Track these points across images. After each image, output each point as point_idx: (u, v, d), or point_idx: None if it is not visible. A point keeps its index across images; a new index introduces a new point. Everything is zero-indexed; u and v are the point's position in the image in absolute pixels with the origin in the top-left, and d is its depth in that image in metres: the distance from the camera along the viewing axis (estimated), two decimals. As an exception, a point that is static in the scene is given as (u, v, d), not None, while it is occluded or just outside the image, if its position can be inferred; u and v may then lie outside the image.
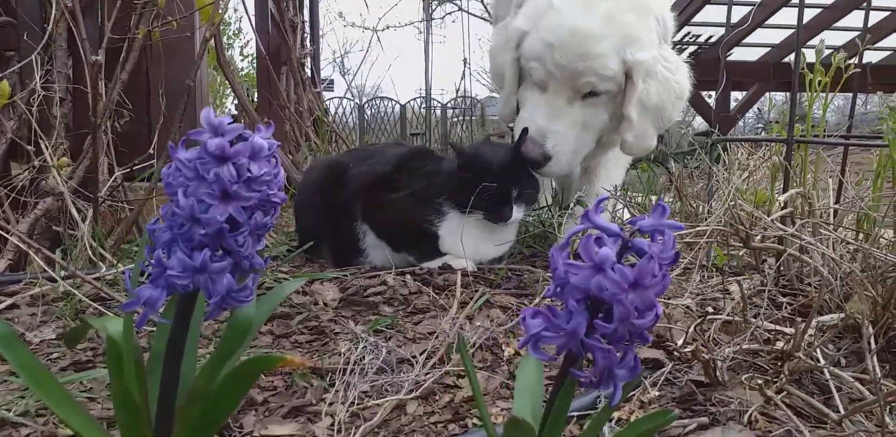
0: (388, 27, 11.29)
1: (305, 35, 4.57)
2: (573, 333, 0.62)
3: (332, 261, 1.77)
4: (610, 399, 0.64)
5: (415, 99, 11.86)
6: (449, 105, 11.57)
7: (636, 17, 1.60)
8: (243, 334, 0.78)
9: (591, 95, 1.63)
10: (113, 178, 1.71)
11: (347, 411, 0.95)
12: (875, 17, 7.17)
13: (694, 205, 1.86)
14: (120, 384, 0.67)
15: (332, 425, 0.92)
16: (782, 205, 1.23)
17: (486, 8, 10.00)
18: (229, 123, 0.72)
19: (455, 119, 11.12)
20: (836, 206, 1.35)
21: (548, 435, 0.65)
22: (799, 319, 1.02)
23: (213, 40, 2.49)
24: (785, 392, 0.95)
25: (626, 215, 2.18)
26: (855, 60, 1.58)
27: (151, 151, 1.85)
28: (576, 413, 0.92)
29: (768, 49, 7.89)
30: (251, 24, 3.30)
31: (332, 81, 13.46)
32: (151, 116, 2.03)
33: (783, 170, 1.37)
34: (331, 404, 0.98)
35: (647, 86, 1.61)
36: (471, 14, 10.39)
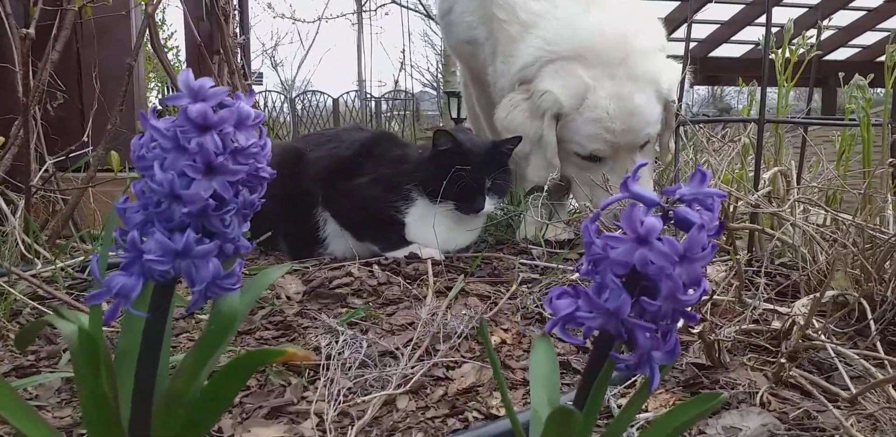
0: (319, 18, 11.10)
1: (236, 24, 4.40)
2: (615, 312, 0.56)
3: (289, 253, 1.67)
4: (648, 384, 0.59)
5: (348, 93, 11.69)
6: (383, 98, 11.44)
7: (655, 57, 1.72)
8: (228, 327, 0.70)
9: (643, 145, 1.72)
10: (44, 167, 1.56)
11: (335, 409, 0.87)
12: (793, 13, 7.46)
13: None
14: (96, 387, 0.58)
15: (320, 424, 0.84)
16: (766, 183, 1.22)
17: (419, 0, 9.95)
18: (211, 87, 0.64)
19: (389, 114, 11.00)
20: (815, 184, 1.35)
21: (583, 425, 0.59)
22: (801, 298, 1.00)
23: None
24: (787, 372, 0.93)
25: (576, 203, 2.16)
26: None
27: (85, 139, 1.71)
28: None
29: (694, 44, 8.12)
30: (184, 8, 3.12)
31: (260, 74, 13.13)
32: (84, 101, 1.87)
33: (756, 149, 1.36)
34: (313, 402, 0.90)
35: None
36: (403, 6, 10.27)
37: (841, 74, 1.52)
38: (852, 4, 7.06)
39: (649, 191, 0.58)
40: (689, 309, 0.57)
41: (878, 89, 2.25)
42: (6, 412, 0.63)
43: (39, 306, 1.24)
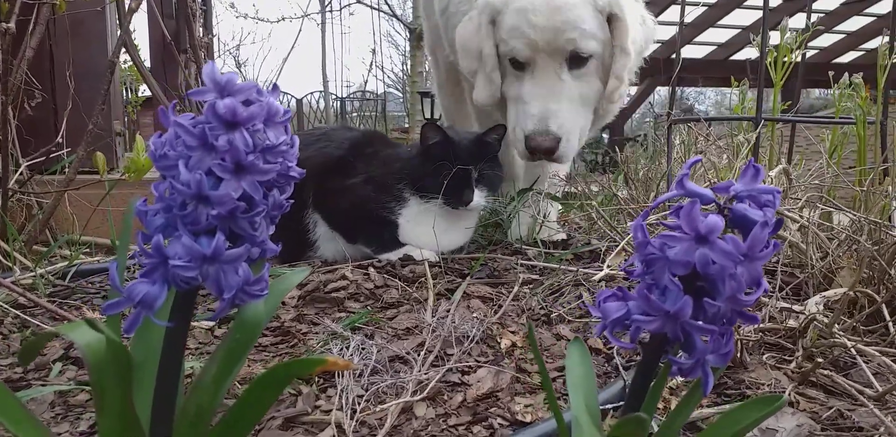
0: (283, 18, 10.97)
1: (200, 23, 4.32)
2: (676, 315, 0.54)
3: (277, 256, 1.62)
4: (702, 388, 0.57)
5: (312, 93, 11.56)
6: (348, 98, 11.33)
7: None
8: (251, 337, 0.66)
9: (577, 63, 1.57)
10: (19, 170, 1.49)
11: (353, 418, 0.83)
12: (754, 15, 7.60)
13: (639, 188, 1.85)
14: (123, 403, 0.54)
15: (339, 434, 0.81)
16: (771, 181, 1.22)
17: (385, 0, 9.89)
18: (239, 81, 0.60)
19: (356, 114, 10.92)
20: (818, 182, 1.35)
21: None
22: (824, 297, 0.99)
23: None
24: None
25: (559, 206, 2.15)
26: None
27: (60, 140, 1.64)
28: (609, 406, 0.85)
29: (657, 46, 8.22)
30: (151, 6, 3.03)
31: (223, 75, 12.84)
32: (58, 101, 1.80)
33: (753, 147, 1.36)
34: (328, 412, 0.87)
35: (634, 22, 1.59)
36: (367, 5, 10.17)
37: (831, 74, 1.53)
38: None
39: (701, 187, 0.57)
40: (746, 310, 0.56)
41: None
42: (16, 429, 0.59)
43: (21, 315, 1.18)
